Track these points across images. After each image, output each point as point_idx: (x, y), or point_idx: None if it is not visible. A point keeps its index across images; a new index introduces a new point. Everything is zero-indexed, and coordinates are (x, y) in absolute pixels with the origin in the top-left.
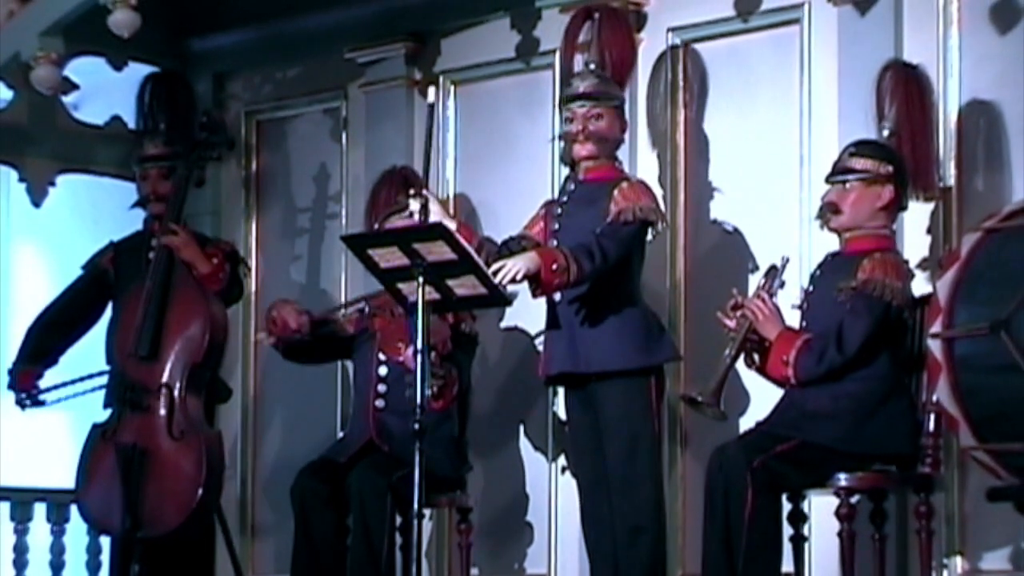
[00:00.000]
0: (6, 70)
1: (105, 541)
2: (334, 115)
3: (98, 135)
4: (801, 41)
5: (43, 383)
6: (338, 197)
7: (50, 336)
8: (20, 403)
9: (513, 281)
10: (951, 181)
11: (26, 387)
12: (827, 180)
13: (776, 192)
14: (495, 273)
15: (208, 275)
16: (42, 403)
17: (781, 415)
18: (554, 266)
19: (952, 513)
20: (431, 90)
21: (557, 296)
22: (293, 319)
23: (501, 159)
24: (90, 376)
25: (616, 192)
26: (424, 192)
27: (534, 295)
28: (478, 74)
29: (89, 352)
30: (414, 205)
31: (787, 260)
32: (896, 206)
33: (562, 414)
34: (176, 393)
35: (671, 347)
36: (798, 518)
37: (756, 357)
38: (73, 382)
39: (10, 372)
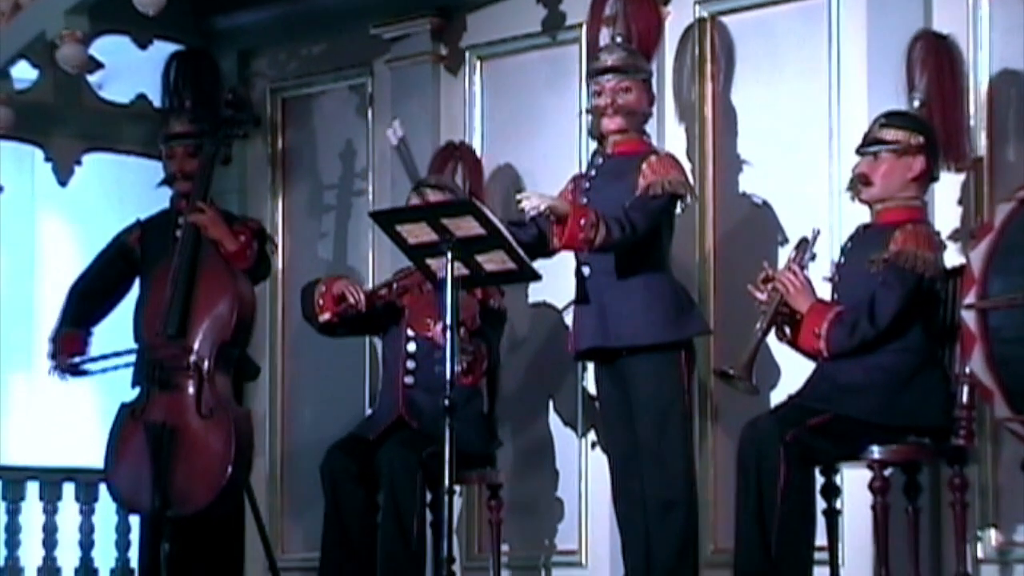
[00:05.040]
0: (31, 49)
1: (134, 520)
2: (360, 91)
3: (124, 113)
4: (829, 12)
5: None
6: (364, 174)
7: (88, 302)
8: (60, 370)
9: (538, 213)
10: (982, 151)
11: (74, 351)
12: (858, 151)
13: (806, 164)
14: (519, 201)
15: (236, 253)
16: (83, 373)
17: (813, 388)
18: (582, 221)
19: (986, 485)
20: (394, 126)
21: (586, 271)
22: (359, 296)
23: (528, 134)
24: (122, 353)
25: (644, 165)
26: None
27: (555, 247)
28: (504, 49)
29: (121, 327)
30: (431, 197)
31: (818, 232)
32: (927, 177)
33: (592, 389)
34: (205, 371)
35: (701, 321)
36: (831, 491)
37: (788, 330)
38: (114, 355)
39: (53, 339)
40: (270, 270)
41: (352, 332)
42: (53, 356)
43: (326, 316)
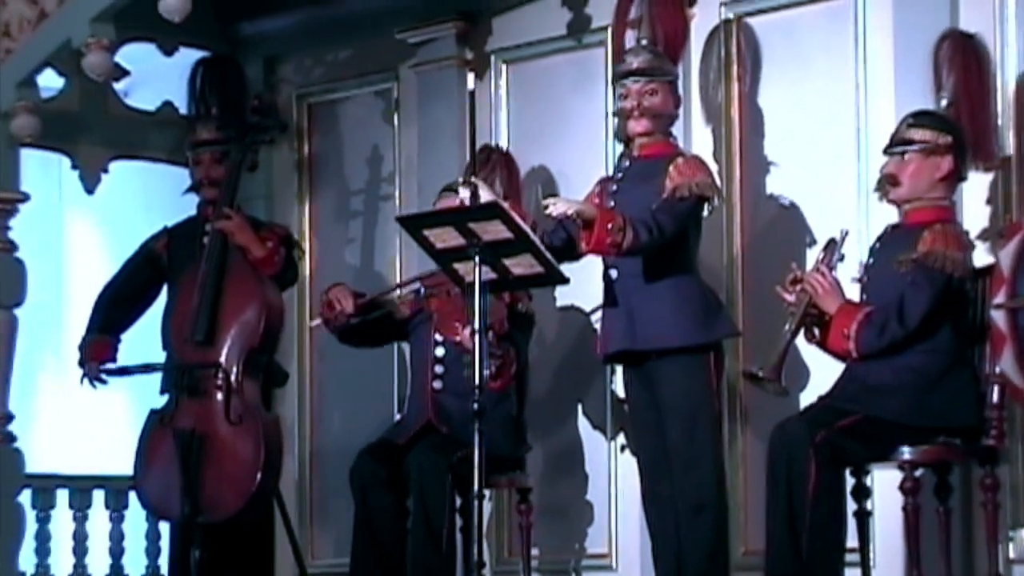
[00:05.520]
0: (57, 57)
1: (164, 527)
2: (386, 96)
3: (150, 121)
4: (856, 12)
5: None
6: (391, 178)
7: (115, 310)
8: (89, 377)
9: (564, 217)
10: (1010, 150)
11: (103, 358)
12: (885, 151)
13: (833, 165)
14: (546, 206)
15: (263, 259)
16: (105, 381)
17: (843, 389)
18: (610, 225)
19: (1017, 485)
20: (471, 76)
21: (614, 274)
22: (346, 301)
23: (555, 137)
24: (152, 367)
25: (671, 168)
26: (474, 179)
27: (583, 252)
28: (529, 52)
29: (149, 335)
30: (464, 192)
31: (846, 233)
32: (955, 177)
33: (620, 392)
34: (233, 378)
35: (729, 323)
36: (862, 493)
37: (816, 331)
38: (135, 370)
39: (82, 346)
40: (297, 276)
41: (369, 342)
42: (82, 364)
43: (316, 322)
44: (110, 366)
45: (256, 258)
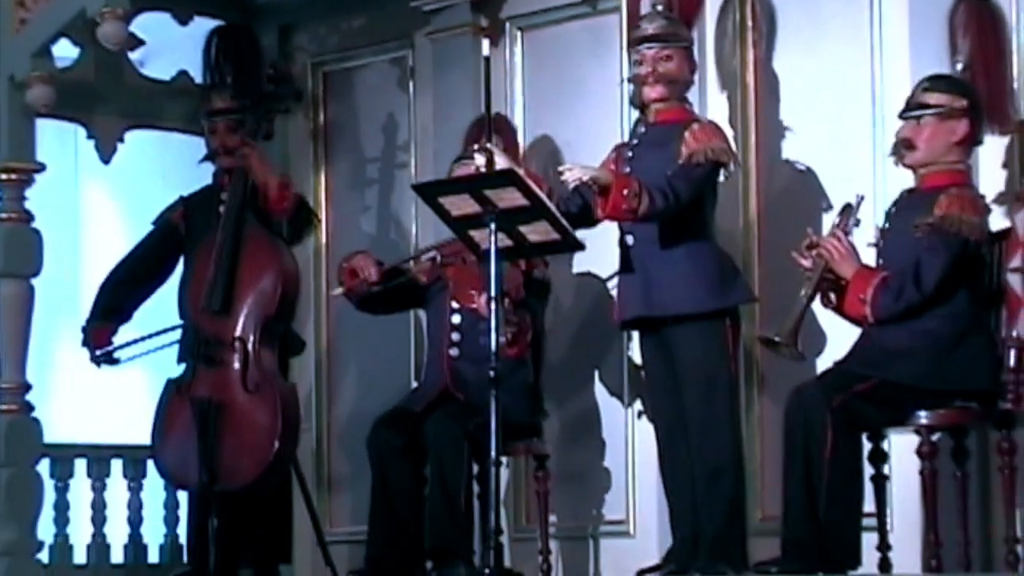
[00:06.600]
0: (72, 27)
1: (183, 496)
2: (401, 64)
3: (165, 90)
4: None
5: (116, 340)
6: (407, 147)
7: (122, 293)
8: (95, 361)
9: (581, 183)
10: None
11: (100, 344)
12: (901, 116)
13: (849, 129)
14: (562, 172)
15: (276, 198)
16: (116, 361)
17: (859, 354)
18: (625, 191)
19: None
20: (486, 42)
21: (630, 240)
22: (370, 270)
23: (570, 104)
24: (162, 332)
25: (687, 134)
26: (488, 145)
27: (599, 218)
28: (544, 19)
29: (161, 308)
30: (479, 159)
31: (862, 198)
32: (971, 140)
33: (637, 358)
34: (250, 347)
35: (746, 288)
36: (878, 457)
37: (832, 296)
38: (146, 338)
39: (84, 330)
40: (312, 229)
41: (387, 309)
42: (85, 345)
43: (338, 291)
44: (109, 349)
45: (272, 196)
